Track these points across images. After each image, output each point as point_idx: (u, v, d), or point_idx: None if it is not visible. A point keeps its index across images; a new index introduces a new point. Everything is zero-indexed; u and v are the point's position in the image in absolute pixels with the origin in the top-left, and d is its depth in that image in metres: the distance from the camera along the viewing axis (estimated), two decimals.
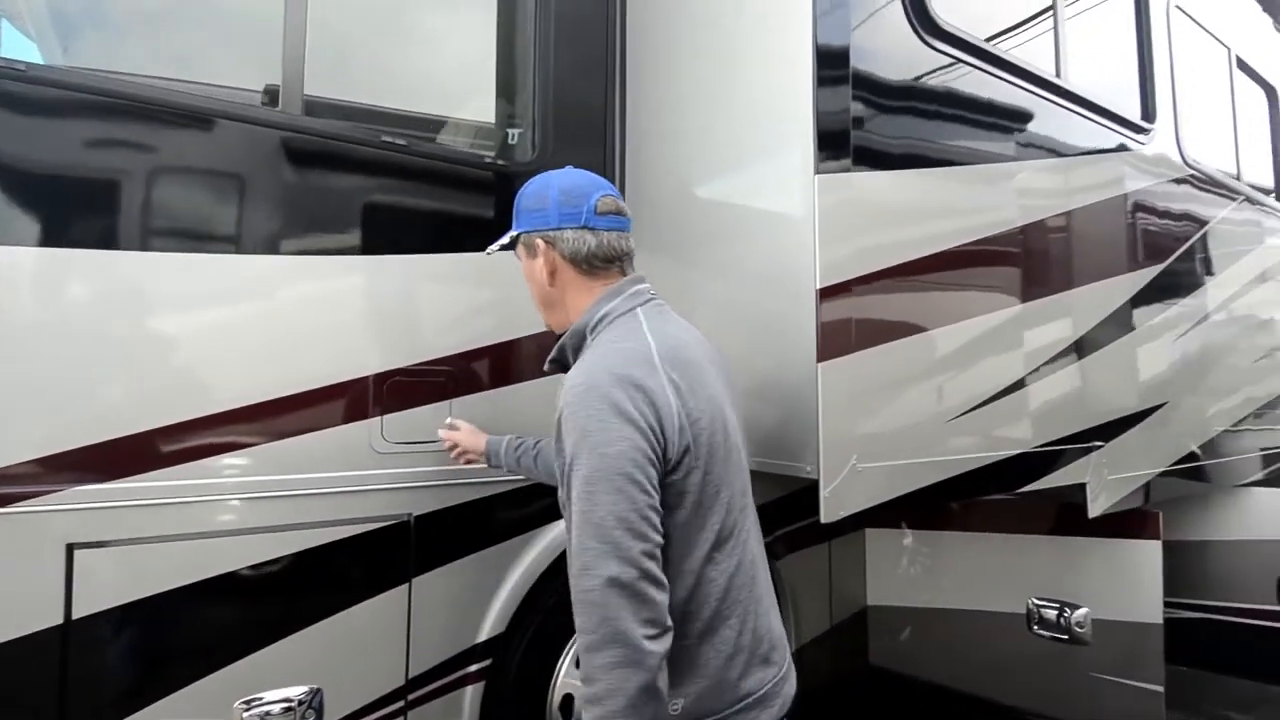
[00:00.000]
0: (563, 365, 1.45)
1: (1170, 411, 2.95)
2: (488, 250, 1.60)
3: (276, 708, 1.71)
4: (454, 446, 1.91)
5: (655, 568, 1.18)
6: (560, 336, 1.45)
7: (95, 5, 1.81)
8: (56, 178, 1.56)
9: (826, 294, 1.74)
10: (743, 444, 1.41)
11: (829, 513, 1.70)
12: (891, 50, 2.01)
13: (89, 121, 1.60)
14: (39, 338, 1.52)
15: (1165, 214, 3.04)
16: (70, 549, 1.52)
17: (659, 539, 1.20)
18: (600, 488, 1.17)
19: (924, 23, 2.05)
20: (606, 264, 1.42)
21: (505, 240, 1.51)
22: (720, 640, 1.29)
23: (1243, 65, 3.82)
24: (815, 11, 1.82)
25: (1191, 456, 3.13)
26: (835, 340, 1.76)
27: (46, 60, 1.95)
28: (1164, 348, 2.98)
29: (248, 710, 1.68)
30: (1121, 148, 2.81)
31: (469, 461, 1.92)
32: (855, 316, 1.83)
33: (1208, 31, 3.51)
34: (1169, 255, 3.01)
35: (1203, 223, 3.26)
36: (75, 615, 1.53)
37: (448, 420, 1.93)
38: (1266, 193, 3.98)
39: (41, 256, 1.53)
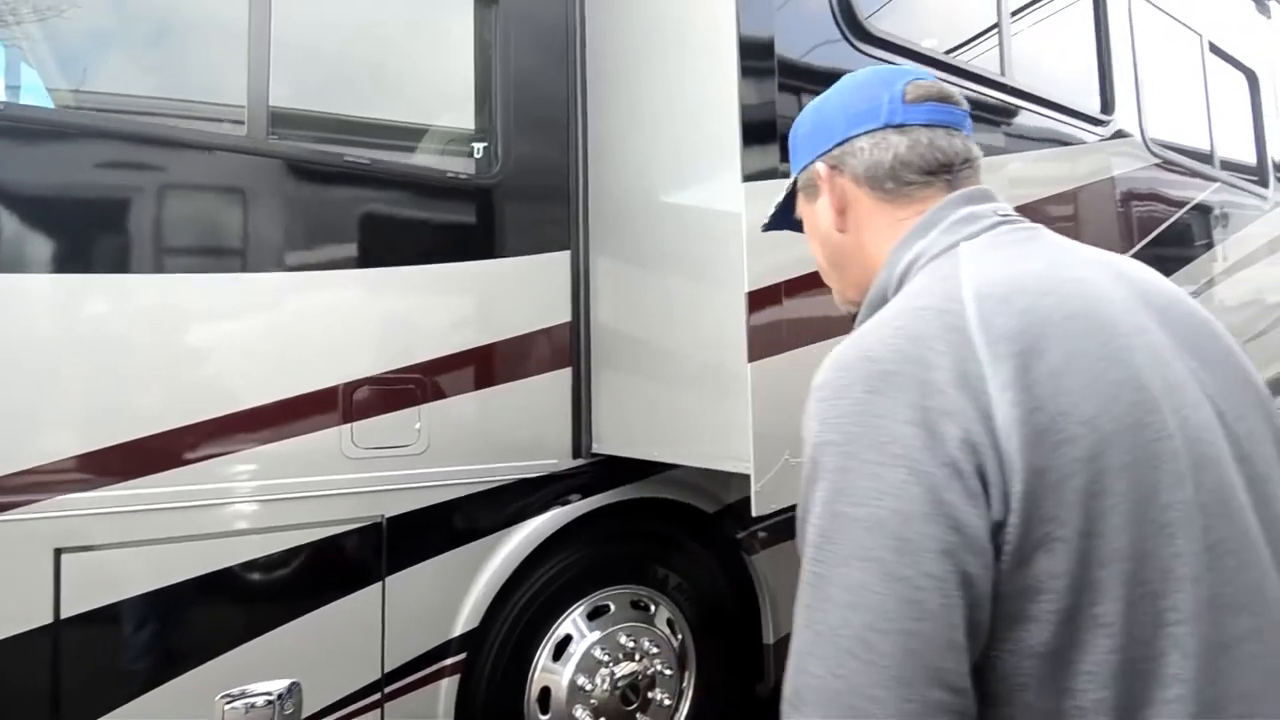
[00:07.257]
0: None
1: None
2: (763, 225, 1.13)
3: (258, 700, 1.78)
4: None
5: None
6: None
7: (80, 36, 1.89)
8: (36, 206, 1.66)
9: (755, 297, 1.79)
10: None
11: (760, 506, 1.74)
12: (820, 57, 2.06)
13: (72, 153, 1.71)
14: (18, 360, 1.62)
15: (1126, 202, 3.06)
16: (58, 553, 1.62)
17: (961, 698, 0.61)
18: (836, 582, 0.63)
19: (853, 29, 2.11)
20: (925, 176, 0.88)
21: (782, 197, 1.05)
22: None
23: (1217, 51, 3.82)
24: (739, 15, 1.85)
25: None
26: (765, 341, 1.80)
27: (48, 86, 2.06)
28: None
29: (230, 704, 1.75)
30: (1078, 140, 2.85)
31: None
32: (785, 318, 1.86)
33: (1178, 21, 3.53)
34: (1135, 243, 3.03)
35: (1174, 208, 3.28)
36: (64, 615, 1.63)
37: None
38: (1248, 175, 3.97)
39: (28, 282, 1.64)
